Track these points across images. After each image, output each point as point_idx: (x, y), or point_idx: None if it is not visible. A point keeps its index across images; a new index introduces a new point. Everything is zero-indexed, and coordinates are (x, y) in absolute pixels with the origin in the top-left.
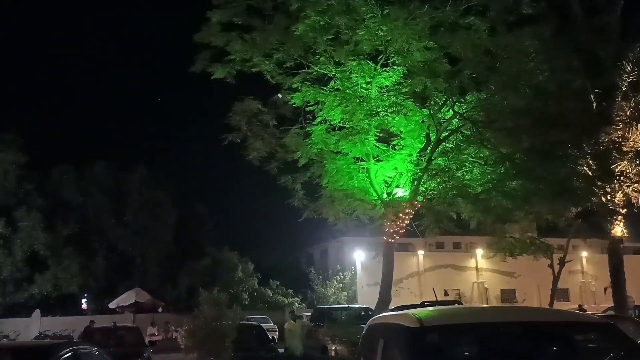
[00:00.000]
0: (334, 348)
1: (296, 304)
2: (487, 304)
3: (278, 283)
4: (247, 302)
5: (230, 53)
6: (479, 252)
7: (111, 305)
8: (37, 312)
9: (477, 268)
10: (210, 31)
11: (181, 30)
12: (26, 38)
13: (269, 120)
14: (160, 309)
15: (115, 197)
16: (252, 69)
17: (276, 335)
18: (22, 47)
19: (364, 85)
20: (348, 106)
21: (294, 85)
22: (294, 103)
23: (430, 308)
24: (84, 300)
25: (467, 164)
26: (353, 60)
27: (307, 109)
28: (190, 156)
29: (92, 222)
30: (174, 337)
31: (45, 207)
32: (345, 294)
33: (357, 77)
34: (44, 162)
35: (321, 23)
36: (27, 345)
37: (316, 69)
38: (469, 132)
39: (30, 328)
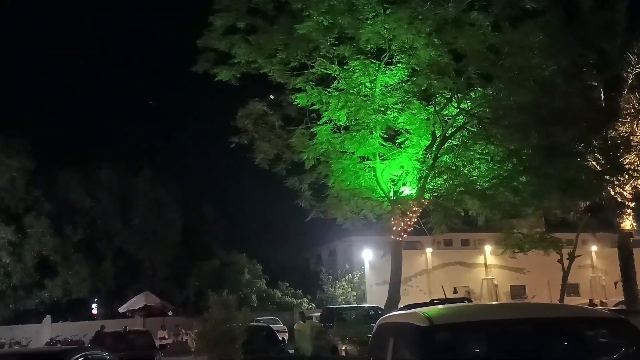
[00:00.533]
0: (343, 348)
1: (305, 304)
2: (496, 300)
3: (287, 284)
4: (255, 304)
5: (234, 56)
6: (488, 248)
7: (121, 310)
8: (48, 317)
9: (486, 265)
10: (212, 36)
11: (182, 29)
12: (26, 38)
13: (274, 121)
14: (170, 313)
15: (121, 200)
16: (259, 71)
17: (286, 336)
18: (22, 47)
19: (367, 85)
20: (352, 106)
21: (298, 86)
22: (298, 103)
23: (440, 306)
24: (94, 305)
25: (473, 160)
26: (357, 59)
27: (311, 108)
28: (195, 157)
29: (100, 227)
30: (184, 340)
31: (53, 212)
32: (354, 293)
33: (360, 76)
34: (48, 165)
35: (324, 23)
36: (39, 352)
37: (320, 69)
38: (475, 129)
39: (41, 334)
